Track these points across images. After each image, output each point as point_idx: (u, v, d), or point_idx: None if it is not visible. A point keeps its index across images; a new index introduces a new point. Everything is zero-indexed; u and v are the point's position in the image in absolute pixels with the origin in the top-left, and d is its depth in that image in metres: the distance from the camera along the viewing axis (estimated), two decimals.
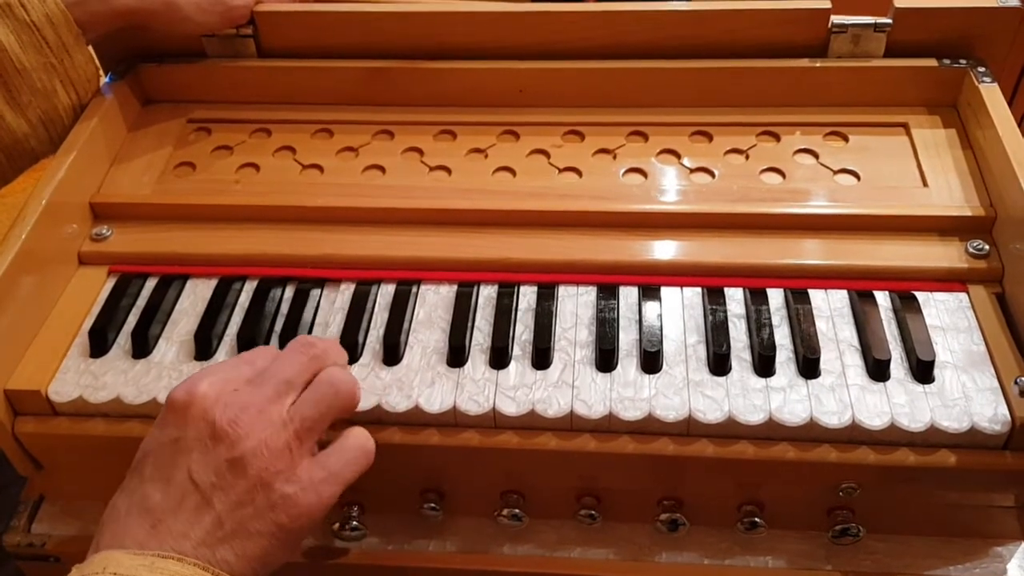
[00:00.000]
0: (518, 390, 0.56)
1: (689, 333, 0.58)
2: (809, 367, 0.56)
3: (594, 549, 0.61)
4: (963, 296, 0.60)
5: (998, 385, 0.55)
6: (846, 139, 0.69)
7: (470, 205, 0.65)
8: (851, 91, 0.70)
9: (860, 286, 0.60)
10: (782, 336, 0.58)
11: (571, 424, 0.55)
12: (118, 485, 0.50)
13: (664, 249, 0.62)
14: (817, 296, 0.60)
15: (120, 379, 0.58)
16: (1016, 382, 0.54)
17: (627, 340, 0.58)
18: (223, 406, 0.49)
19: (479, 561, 0.60)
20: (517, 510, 0.59)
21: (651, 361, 0.57)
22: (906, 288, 0.60)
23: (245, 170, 0.70)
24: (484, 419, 0.56)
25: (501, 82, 0.72)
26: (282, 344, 0.59)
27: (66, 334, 0.61)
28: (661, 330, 0.58)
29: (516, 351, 0.58)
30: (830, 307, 0.59)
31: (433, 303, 0.61)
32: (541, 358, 0.57)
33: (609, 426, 0.55)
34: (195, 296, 0.63)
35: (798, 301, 0.59)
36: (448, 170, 0.69)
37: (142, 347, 0.59)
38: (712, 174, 0.67)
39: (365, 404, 0.55)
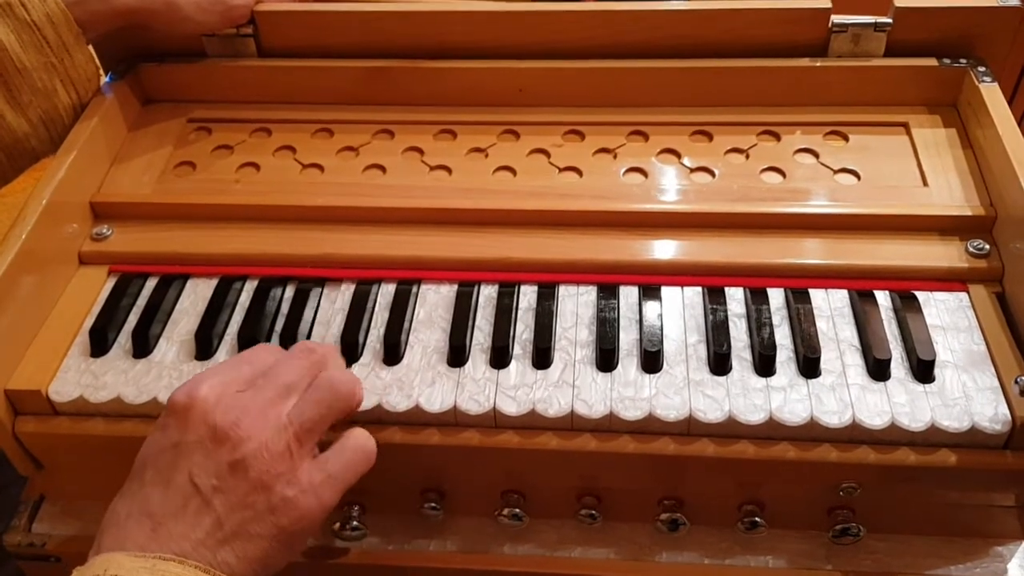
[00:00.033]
0: (519, 390, 0.56)
1: (689, 333, 0.58)
2: (809, 367, 0.56)
3: (595, 549, 0.61)
4: (963, 296, 0.60)
5: (998, 384, 0.55)
6: (846, 139, 0.69)
7: (470, 205, 0.65)
8: (851, 91, 0.70)
9: (860, 286, 0.60)
10: (782, 336, 0.58)
11: (572, 424, 0.55)
12: (118, 485, 0.50)
13: (664, 249, 0.62)
14: (817, 296, 0.60)
15: (120, 379, 0.58)
16: (1016, 381, 0.54)
17: (628, 340, 0.58)
18: (224, 409, 0.49)
19: (480, 561, 0.60)
20: (518, 510, 0.59)
21: (651, 361, 0.57)
22: (906, 288, 0.60)
23: (245, 169, 0.70)
24: (484, 419, 0.56)
25: (501, 81, 0.72)
26: (282, 344, 0.59)
27: (66, 334, 0.61)
28: (661, 330, 0.58)
29: (517, 351, 0.58)
30: (830, 307, 0.59)
31: (433, 303, 0.61)
32: (542, 358, 0.57)
33: (610, 426, 0.55)
34: (195, 296, 0.63)
35: (798, 301, 0.59)
36: (448, 169, 0.69)
37: (142, 347, 0.59)
38: (712, 174, 0.67)
39: (366, 404, 0.55)
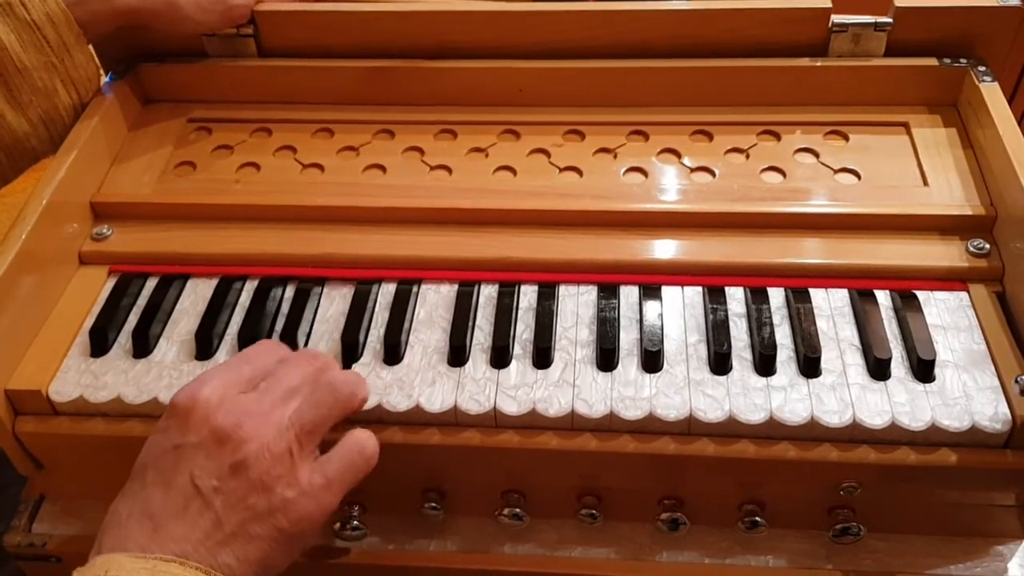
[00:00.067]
0: (519, 389, 0.56)
1: (690, 332, 0.58)
2: (810, 366, 0.56)
3: (595, 548, 0.61)
4: (964, 295, 0.60)
5: (999, 384, 0.55)
6: (847, 138, 0.69)
7: (471, 204, 0.65)
8: (852, 90, 0.70)
9: (861, 285, 0.60)
10: (783, 335, 0.58)
11: (572, 423, 0.55)
12: (119, 485, 0.50)
13: (665, 248, 0.62)
14: (818, 295, 0.60)
15: (121, 379, 0.58)
16: (1017, 381, 0.54)
17: (628, 339, 0.58)
18: (226, 411, 0.49)
19: (480, 560, 0.60)
20: (518, 509, 0.59)
21: (652, 360, 0.57)
22: (907, 287, 0.60)
23: (245, 169, 0.70)
24: (485, 418, 0.56)
25: (502, 81, 0.72)
26: None
27: (67, 334, 0.61)
28: (662, 329, 0.58)
29: (517, 350, 0.58)
30: (831, 306, 0.59)
31: (434, 302, 0.61)
32: (542, 357, 0.57)
33: (610, 425, 0.55)
34: (196, 295, 0.63)
35: (799, 300, 0.59)
36: (449, 169, 0.69)
37: (143, 347, 0.59)
38: (713, 173, 0.67)
39: (367, 404, 0.55)
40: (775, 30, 0.69)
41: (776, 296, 0.60)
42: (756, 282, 0.61)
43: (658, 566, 0.60)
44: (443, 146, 0.71)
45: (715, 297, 0.60)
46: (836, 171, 0.66)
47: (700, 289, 0.61)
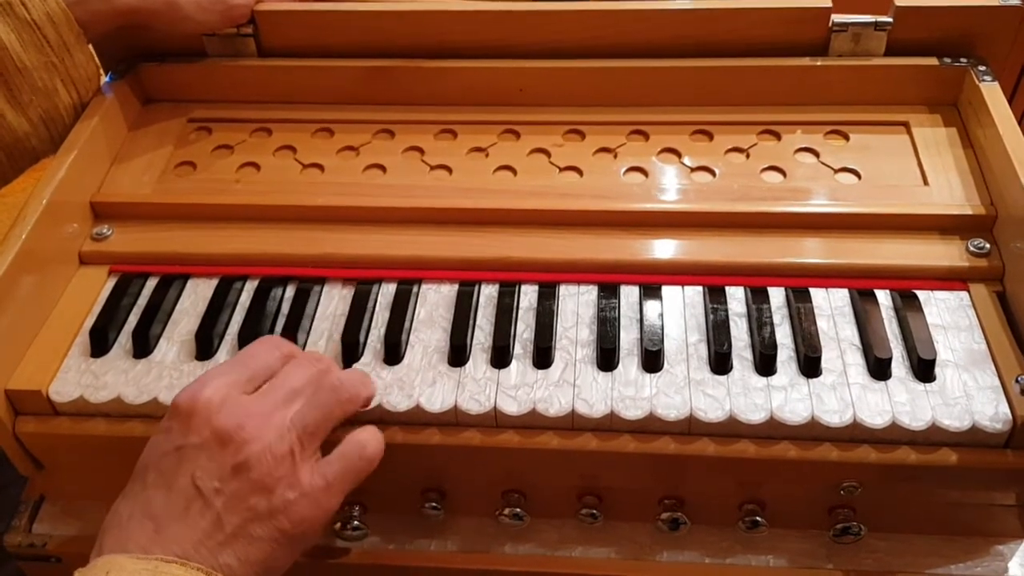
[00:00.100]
0: (519, 389, 0.56)
1: (690, 332, 0.58)
2: (810, 366, 0.56)
3: (595, 548, 0.61)
4: (964, 295, 0.60)
5: (999, 383, 0.55)
6: (847, 138, 0.69)
7: (471, 204, 0.65)
8: (852, 90, 0.70)
9: (861, 285, 0.60)
10: (783, 335, 0.58)
11: (572, 423, 0.55)
12: (119, 485, 0.50)
13: (665, 248, 0.62)
14: (818, 295, 0.60)
15: (121, 379, 0.58)
16: (1017, 380, 0.54)
17: (628, 339, 0.58)
18: (228, 412, 0.49)
19: (480, 560, 0.60)
20: (518, 509, 0.59)
21: (652, 360, 0.57)
22: (907, 287, 0.60)
23: (246, 169, 0.70)
24: (485, 418, 0.56)
25: (502, 81, 0.72)
26: None
27: (67, 334, 0.61)
28: (662, 329, 0.58)
29: (517, 350, 0.58)
30: (831, 306, 0.59)
31: (434, 302, 0.61)
32: (542, 357, 0.57)
33: (610, 425, 0.55)
34: (196, 296, 0.63)
35: (799, 300, 0.59)
36: (449, 169, 0.68)
37: (143, 347, 0.59)
38: (713, 173, 0.67)
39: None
40: (775, 30, 0.69)
41: (776, 296, 0.60)
42: (756, 282, 0.61)
43: (658, 566, 0.60)
44: (443, 146, 0.71)
45: (715, 297, 0.60)
46: (836, 171, 0.66)
47: (700, 289, 0.61)
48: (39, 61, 0.63)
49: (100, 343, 0.60)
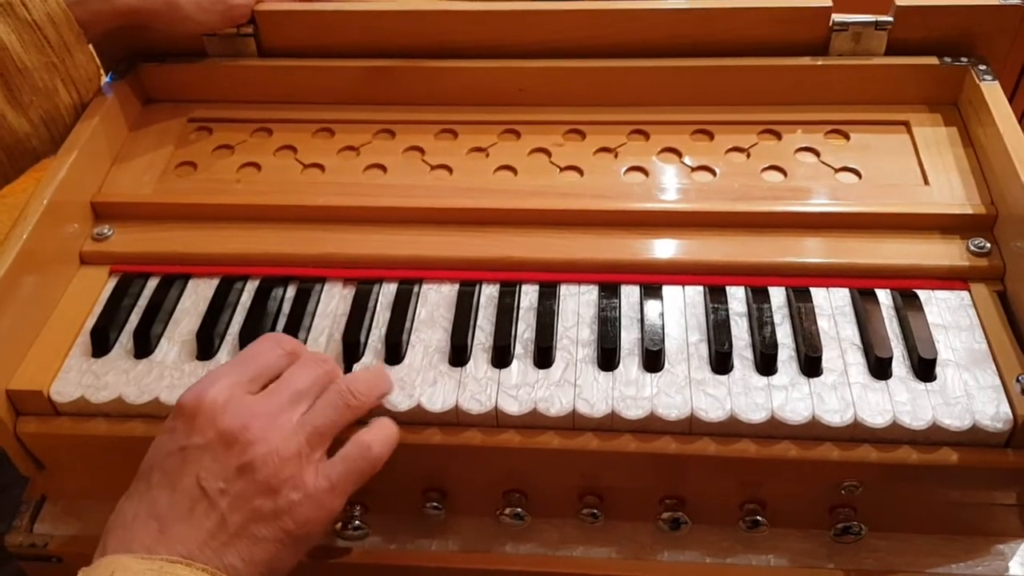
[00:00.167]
0: (520, 389, 0.56)
1: (691, 332, 0.58)
2: (811, 365, 0.56)
3: (596, 548, 0.61)
4: (964, 294, 0.60)
5: (1000, 383, 0.55)
6: (847, 137, 0.69)
7: (471, 204, 0.65)
8: (852, 89, 0.70)
9: (862, 284, 0.60)
10: (784, 334, 0.58)
11: (573, 423, 0.55)
12: (120, 485, 0.50)
13: (665, 248, 0.62)
14: (819, 294, 0.60)
15: (122, 379, 0.58)
16: (1018, 380, 0.54)
17: (629, 339, 0.58)
18: (233, 412, 0.49)
19: (481, 560, 0.60)
20: (519, 509, 0.59)
21: (653, 360, 0.57)
22: (908, 286, 0.60)
23: (246, 169, 0.70)
24: (486, 418, 0.56)
25: (502, 81, 0.72)
26: None
27: (68, 334, 0.61)
28: (663, 329, 0.58)
29: (518, 350, 0.58)
30: (832, 305, 0.59)
31: (435, 302, 0.61)
32: (543, 357, 0.57)
33: (611, 425, 0.55)
34: (197, 295, 0.63)
35: (800, 299, 0.59)
36: (449, 169, 0.68)
37: (144, 347, 0.59)
38: (713, 172, 0.67)
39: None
40: (776, 29, 0.69)
41: (777, 295, 0.60)
42: (757, 281, 0.61)
43: (659, 565, 0.60)
44: (444, 146, 0.71)
45: (716, 296, 0.60)
46: (837, 170, 0.66)
47: (701, 288, 0.61)
48: (40, 61, 0.63)
49: (101, 343, 0.60)
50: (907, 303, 0.59)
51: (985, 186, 0.63)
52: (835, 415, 0.54)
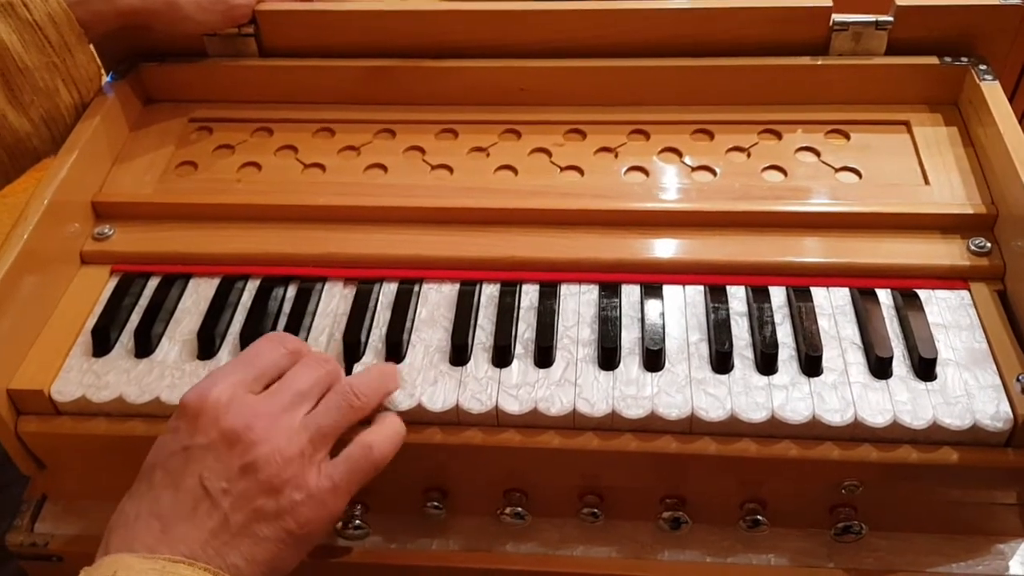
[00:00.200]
0: (521, 388, 0.56)
1: (691, 331, 0.59)
2: (811, 365, 0.56)
3: (597, 547, 0.61)
4: (965, 294, 0.60)
5: (1000, 382, 0.55)
6: (848, 137, 0.69)
7: (472, 204, 0.65)
8: (852, 89, 0.70)
9: (862, 283, 0.60)
10: (784, 334, 0.58)
11: (574, 422, 0.55)
12: (121, 484, 0.50)
13: (666, 247, 0.62)
14: (819, 294, 0.60)
15: (123, 378, 0.58)
16: (1018, 379, 0.54)
17: (629, 338, 0.58)
18: (236, 412, 0.49)
19: (482, 559, 0.61)
20: (520, 508, 0.59)
21: (653, 359, 0.57)
22: (908, 286, 0.60)
23: (247, 169, 0.70)
24: (487, 417, 0.56)
25: (502, 81, 0.72)
26: None
27: (69, 333, 0.61)
28: (663, 328, 0.58)
29: (519, 349, 0.58)
30: (832, 305, 0.59)
31: (435, 302, 0.61)
32: (544, 356, 0.57)
33: (612, 424, 0.55)
34: (198, 295, 0.63)
35: (800, 299, 0.59)
36: (450, 169, 0.69)
37: (145, 346, 0.60)
38: (714, 172, 0.67)
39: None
40: (776, 29, 0.69)
41: (777, 295, 0.60)
42: (757, 281, 0.61)
43: (660, 565, 0.60)
44: (444, 145, 0.71)
45: (716, 296, 0.60)
46: (837, 170, 0.66)
47: (702, 288, 0.61)
48: (40, 61, 0.63)
49: (102, 343, 0.60)
50: (907, 303, 0.59)
51: (985, 186, 0.63)
52: (835, 414, 0.54)
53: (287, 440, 0.49)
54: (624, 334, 0.58)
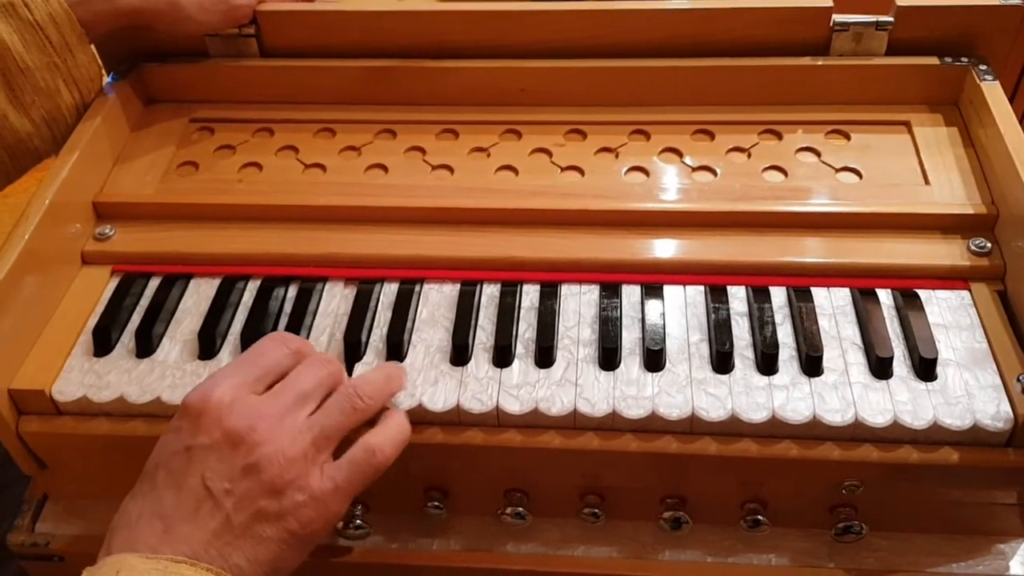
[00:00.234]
0: (521, 388, 0.56)
1: (692, 331, 0.59)
2: (812, 365, 0.56)
3: (597, 547, 0.61)
4: (965, 294, 0.60)
5: (1000, 382, 0.55)
6: (848, 137, 0.69)
7: (472, 204, 0.65)
8: (853, 89, 0.70)
9: (862, 284, 0.60)
10: (785, 334, 0.58)
11: (574, 422, 0.55)
12: (122, 484, 0.50)
13: (666, 247, 0.62)
14: (819, 294, 0.60)
15: (124, 378, 0.58)
16: (1018, 379, 0.54)
17: (630, 338, 0.58)
18: (239, 413, 0.49)
19: (483, 559, 0.61)
20: (521, 508, 0.59)
21: (654, 359, 0.57)
22: (908, 286, 0.60)
23: (248, 169, 0.70)
24: (487, 417, 0.56)
25: (503, 81, 0.72)
26: None
27: (70, 333, 0.61)
28: (664, 328, 0.58)
29: (519, 349, 0.58)
30: (832, 305, 0.60)
31: (436, 302, 0.61)
32: (544, 356, 0.57)
33: (612, 424, 0.55)
34: (198, 295, 0.63)
35: (801, 299, 0.59)
36: (450, 169, 0.69)
37: (146, 346, 0.60)
38: (714, 172, 0.67)
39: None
40: (776, 29, 0.69)
41: (778, 295, 0.60)
42: (758, 281, 0.61)
43: (660, 565, 0.60)
44: (445, 146, 0.71)
45: (717, 296, 0.60)
46: (838, 170, 0.66)
47: (702, 288, 0.61)
48: (41, 61, 0.63)
49: (103, 343, 0.60)
50: (908, 303, 0.59)
51: (986, 186, 0.63)
52: (836, 415, 0.54)
53: (290, 441, 0.49)
54: (625, 334, 0.58)
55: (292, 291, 0.63)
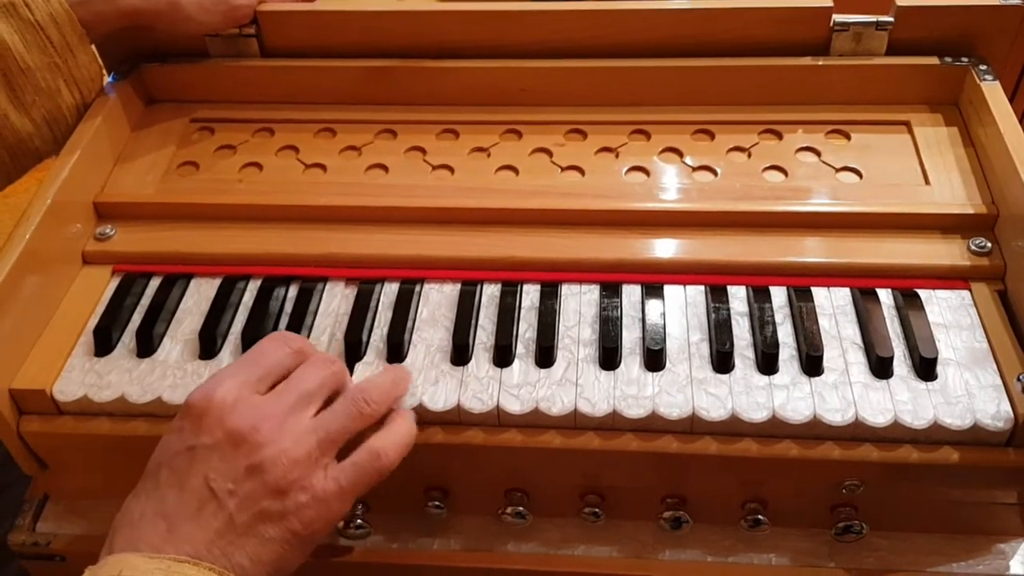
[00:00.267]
0: (522, 388, 0.56)
1: (692, 331, 0.59)
2: (812, 365, 0.56)
3: (598, 547, 0.61)
4: (965, 293, 0.60)
5: (1000, 382, 0.55)
6: (848, 137, 0.69)
7: (473, 204, 0.65)
8: (853, 89, 0.70)
9: (863, 283, 0.60)
10: (785, 334, 0.58)
11: (575, 422, 0.56)
12: (123, 484, 0.50)
13: (667, 247, 0.62)
14: (820, 294, 0.60)
15: (125, 378, 0.58)
16: (1019, 379, 0.54)
17: (630, 338, 0.58)
18: (241, 413, 0.49)
19: (483, 559, 0.61)
20: (521, 508, 0.59)
21: (654, 359, 0.57)
22: (909, 285, 0.60)
23: (248, 169, 0.70)
24: (488, 417, 0.56)
25: (503, 81, 0.72)
26: None
27: (71, 333, 0.61)
28: (664, 328, 0.58)
29: (520, 349, 0.58)
30: (833, 305, 0.60)
31: (437, 302, 0.61)
32: (545, 356, 0.57)
33: (613, 424, 0.55)
34: (199, 295, 0.63)
35: (801, 299, 0.59)
36: (451, 169, 0.69)
37: (147, 346, 0.60)
38: (714, 172, 0.67)
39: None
40: (777, 29, 0.69)
41: (778, 295, 0.60)
42: (758, 281, 0.61)
43: (661, 564, 0.60)
44: (445, 146, 0.71)
45: (717, 296, 0.60)
46: (838, 170, 0.66)
47: (702, 288, 0.61)
48: (42, 62, 0.64)
49: (104, 342, 0.60)
50: (908, 302, 0.59)
51: (986, 186, 0.63)
52: (836, 414, 0.54)
53: (294, 442, 0.49)
54: (625, 334, 0.58)
55: (293, 291, 0.63)
